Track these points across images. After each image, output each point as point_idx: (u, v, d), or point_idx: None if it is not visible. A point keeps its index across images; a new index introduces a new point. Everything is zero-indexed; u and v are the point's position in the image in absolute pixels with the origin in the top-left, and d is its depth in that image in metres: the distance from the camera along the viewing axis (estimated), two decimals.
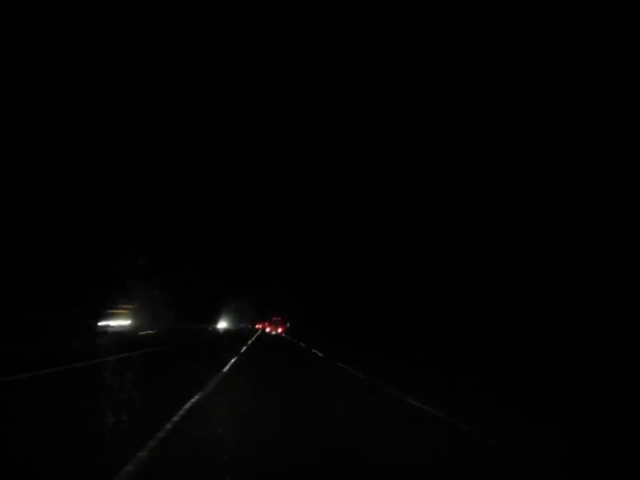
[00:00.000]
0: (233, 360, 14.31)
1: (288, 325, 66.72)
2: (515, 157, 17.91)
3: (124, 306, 27.36)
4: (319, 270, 54.08)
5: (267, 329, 70.29)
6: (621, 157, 14.06)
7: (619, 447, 5.58)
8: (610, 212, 14.17)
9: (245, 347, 22.94)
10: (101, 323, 22.76)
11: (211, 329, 58.30)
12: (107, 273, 25.00)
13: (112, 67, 22.71)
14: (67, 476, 3.55)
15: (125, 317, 27.82)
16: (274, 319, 71.09)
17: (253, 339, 37.69)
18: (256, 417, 6.05)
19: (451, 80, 21.95)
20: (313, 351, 22.63)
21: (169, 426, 5.12)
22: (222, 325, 67.54)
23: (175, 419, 5.50)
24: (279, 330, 65.43)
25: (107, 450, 4.14)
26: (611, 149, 14.39)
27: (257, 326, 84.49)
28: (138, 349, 15.24)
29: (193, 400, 6.78)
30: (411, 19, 22.34)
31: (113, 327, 24.50)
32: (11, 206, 19.44)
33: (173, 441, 4.58)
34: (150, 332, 28.42)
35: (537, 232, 16.81)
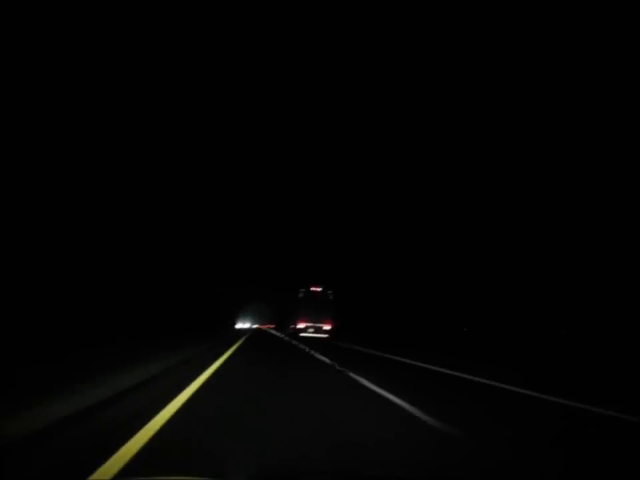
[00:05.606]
0: None
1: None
2: (517, 153, 17.81)
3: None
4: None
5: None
6: (621, 156, 13.95)
7: None
8: (607, 209, 14.06)
9: None
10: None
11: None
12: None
13: (111, 67, 22.71)
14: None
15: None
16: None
17: None
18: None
19: (451, 80, 21.81)
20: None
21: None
22: (240, 325, 78.47)
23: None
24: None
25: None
26: (610, 149, 14.28)
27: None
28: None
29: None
30: (411, 18, 22.26)
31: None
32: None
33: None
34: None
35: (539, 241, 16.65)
